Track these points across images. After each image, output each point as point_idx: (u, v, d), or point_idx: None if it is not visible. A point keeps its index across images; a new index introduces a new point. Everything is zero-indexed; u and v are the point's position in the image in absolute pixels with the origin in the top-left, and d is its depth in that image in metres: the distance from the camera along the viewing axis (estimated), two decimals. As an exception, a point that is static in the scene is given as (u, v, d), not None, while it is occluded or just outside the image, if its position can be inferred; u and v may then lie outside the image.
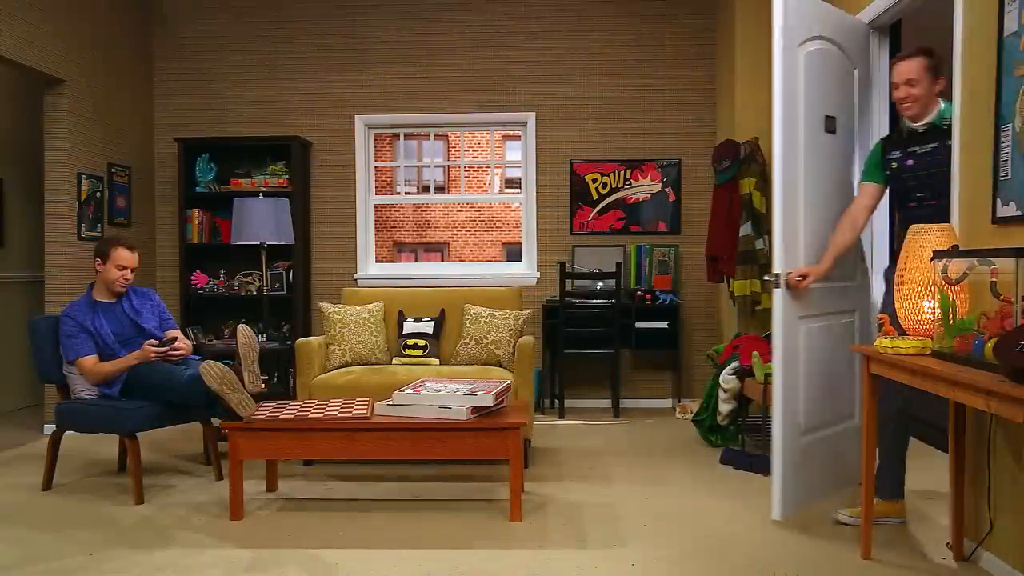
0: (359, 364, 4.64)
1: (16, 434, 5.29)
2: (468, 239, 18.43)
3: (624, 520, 3.43)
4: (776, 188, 3.38)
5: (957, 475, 2.93)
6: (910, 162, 3.26)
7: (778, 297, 3.38)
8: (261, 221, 5.10)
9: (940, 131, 3.18)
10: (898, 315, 2.86)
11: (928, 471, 4.15)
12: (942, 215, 3.14)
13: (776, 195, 3.38)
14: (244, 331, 3.72)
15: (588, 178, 6.25)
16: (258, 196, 5.59)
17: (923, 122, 3.21)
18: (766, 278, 3.51)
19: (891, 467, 3.33)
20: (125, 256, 4.05)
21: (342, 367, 4.59)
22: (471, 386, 3.65)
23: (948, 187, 3.12)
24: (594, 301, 5.81)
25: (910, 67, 3.16)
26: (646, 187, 6.23)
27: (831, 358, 3.68)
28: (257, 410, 3.59)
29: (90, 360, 3.90)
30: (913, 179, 3.27)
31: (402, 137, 6.81)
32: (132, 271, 4.07)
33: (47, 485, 3.95)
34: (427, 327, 4.73)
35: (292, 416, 3.51)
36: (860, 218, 3.43)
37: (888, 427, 3.28)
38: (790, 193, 3.41)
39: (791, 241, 3.42)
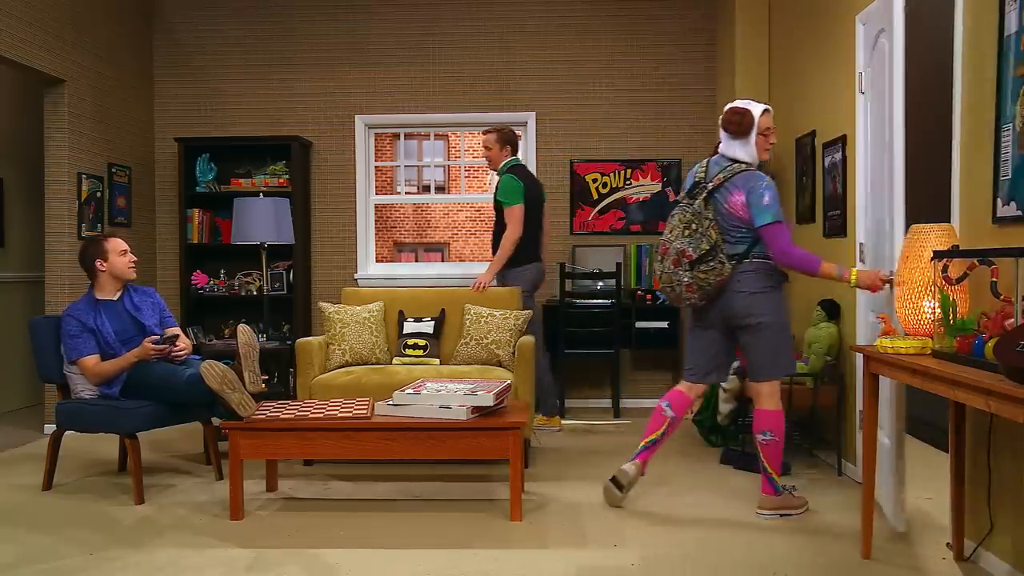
0: (359, 364, 4.64)
1: (16, 434, 5.29)
2: (468, 239, 18.44)
3: (624, 520, 3.43)
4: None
5: (957, 475, 2.93)
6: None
7: None
8: (261, 221, 5.10)
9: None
10: (898, 315, 2.87)
11: (928, 471, 4.15)
12: (496, 231, 5.07)
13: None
14: (244, 331, 3.72)
15: (588, 178, 6.25)
16: (258, 196, 5.58)
17: (498, 172, 5.09)
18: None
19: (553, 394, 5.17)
20: (120, 243, 4.08)
21: (342, 367, 4.59)
22: (471, 386, 3.65)
23: (495, 206, 5.03)
24: (594, 301, 5.81)
25: (487, 138, 5.10)
26: (646, 187, 6.23)
27: None
28: (257, 410, 3.59)
29: (92, 360, 3.89)
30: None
31: (402, 137, 6.82)
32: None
33: (47, 485, 3.95)
34: (427, 327, 4.73)
35: (292, 416, 3.51)
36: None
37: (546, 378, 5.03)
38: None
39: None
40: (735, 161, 3.41)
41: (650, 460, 3.62)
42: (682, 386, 3.63)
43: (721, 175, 3.37)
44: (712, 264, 3.31)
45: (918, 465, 4.23)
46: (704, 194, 3.38)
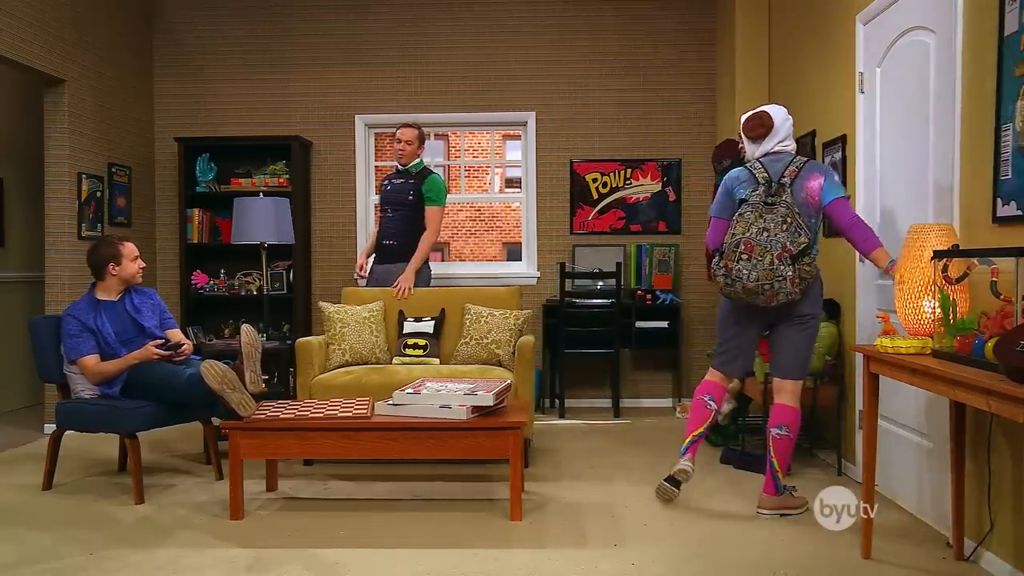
0: (359, 364, 4.63)
1: (16, 434, 5.30)
2: (468, 239, 18.43)
3: (624, 520, 3.43)
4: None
5: (957, 475, 2.93)
6: (389, 187, 5.14)
7: None
8: (261, 221, 5.10)
9: (411, 174, 5.08)
10: (899, 315, 2.87)
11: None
12: (397, 222, 5.05)
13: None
14: (248, 331, 3.73)
15: (588, 178, 6.25)
16: (258, 196, 5.58)
17: (408, 166, 5.11)
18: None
19: None
20: (133, 249, 4.11)
21: (342, 367, 4.59)
22: (471, 386, 3.65)
23: (405, 199, 5.03)
24: (594, 301, 5.81)
25: (408, 132, 5.07)
26: (646, 187, 6.23)
27: None
28: (257, 410, 3.59)
29: (92, 359, 3.89)
30: (388, 197, 5.13)
31: (402, 137, 6.80)
32: None
33: (47, 485, 3.95)
34: (427, 327, 4.73)
35: (292, 416, 3.51)
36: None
37: None
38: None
39: None
40: (794, 155, 3.52)
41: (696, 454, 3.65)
42: (715, 376, 3.69)
43: (793, 166, 3.43)
44: (812, 255, 3.33)
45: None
46: (787, 190, 3.38)
